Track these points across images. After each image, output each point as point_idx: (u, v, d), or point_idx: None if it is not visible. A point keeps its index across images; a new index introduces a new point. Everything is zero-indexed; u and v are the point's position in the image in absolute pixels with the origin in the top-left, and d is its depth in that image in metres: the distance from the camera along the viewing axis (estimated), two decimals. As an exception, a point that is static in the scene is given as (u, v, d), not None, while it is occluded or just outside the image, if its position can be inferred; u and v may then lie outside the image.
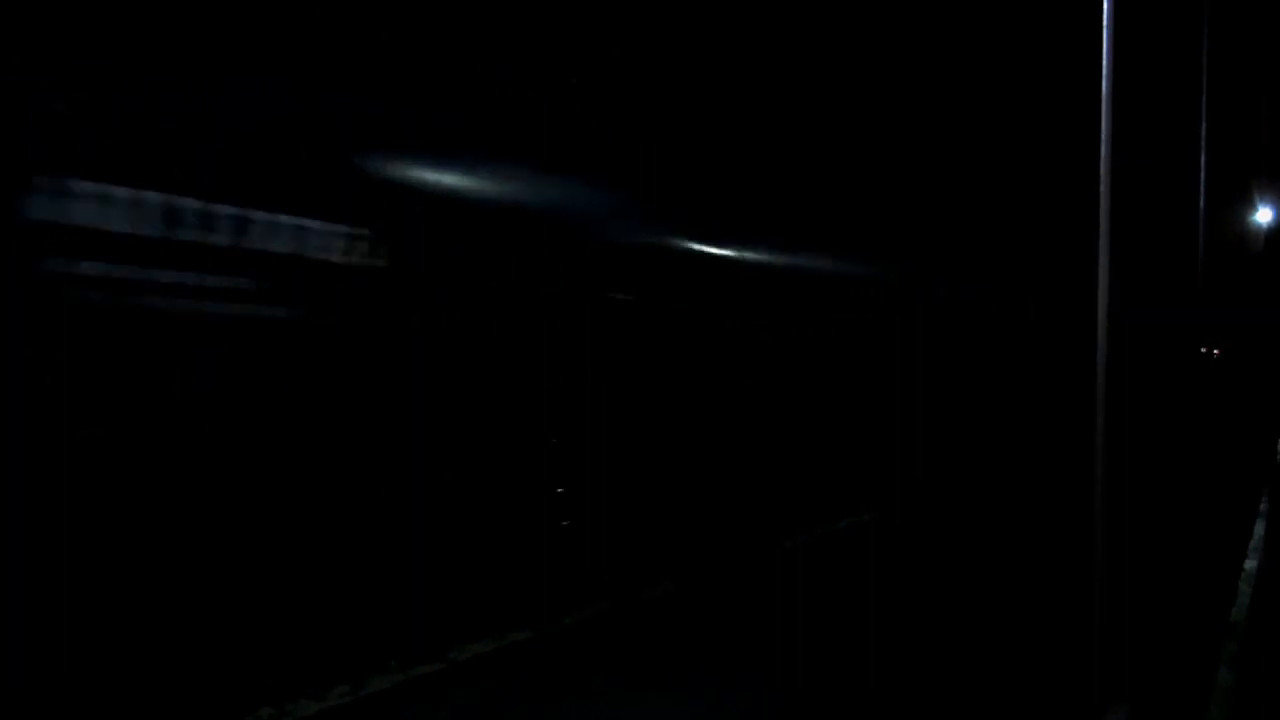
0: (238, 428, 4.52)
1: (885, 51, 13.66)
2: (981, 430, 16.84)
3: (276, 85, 4.84)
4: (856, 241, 12.60)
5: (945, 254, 16.34)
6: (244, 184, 4.57)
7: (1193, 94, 25.68)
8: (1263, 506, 9.75)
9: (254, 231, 4.60)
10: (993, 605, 5.89)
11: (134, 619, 4.01)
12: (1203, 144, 24.29)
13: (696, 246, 8.05)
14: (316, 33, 5.17)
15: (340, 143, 5.14)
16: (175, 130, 4.26)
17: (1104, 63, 4.38)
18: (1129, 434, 18.65)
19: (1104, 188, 4.31)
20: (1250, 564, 7.03)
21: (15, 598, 3.72)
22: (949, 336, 16.33)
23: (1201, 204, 24.17)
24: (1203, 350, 28.25)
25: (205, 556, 4.28)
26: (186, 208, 4.29)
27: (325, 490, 4.92)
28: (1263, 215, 27.81)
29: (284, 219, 4.77)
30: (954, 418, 16.37)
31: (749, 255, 8.97)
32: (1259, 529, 8.52)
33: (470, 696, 4.14)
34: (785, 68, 11.46)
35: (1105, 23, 4.41)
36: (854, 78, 12.89)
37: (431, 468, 5.65)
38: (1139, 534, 8.34)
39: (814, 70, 12.07)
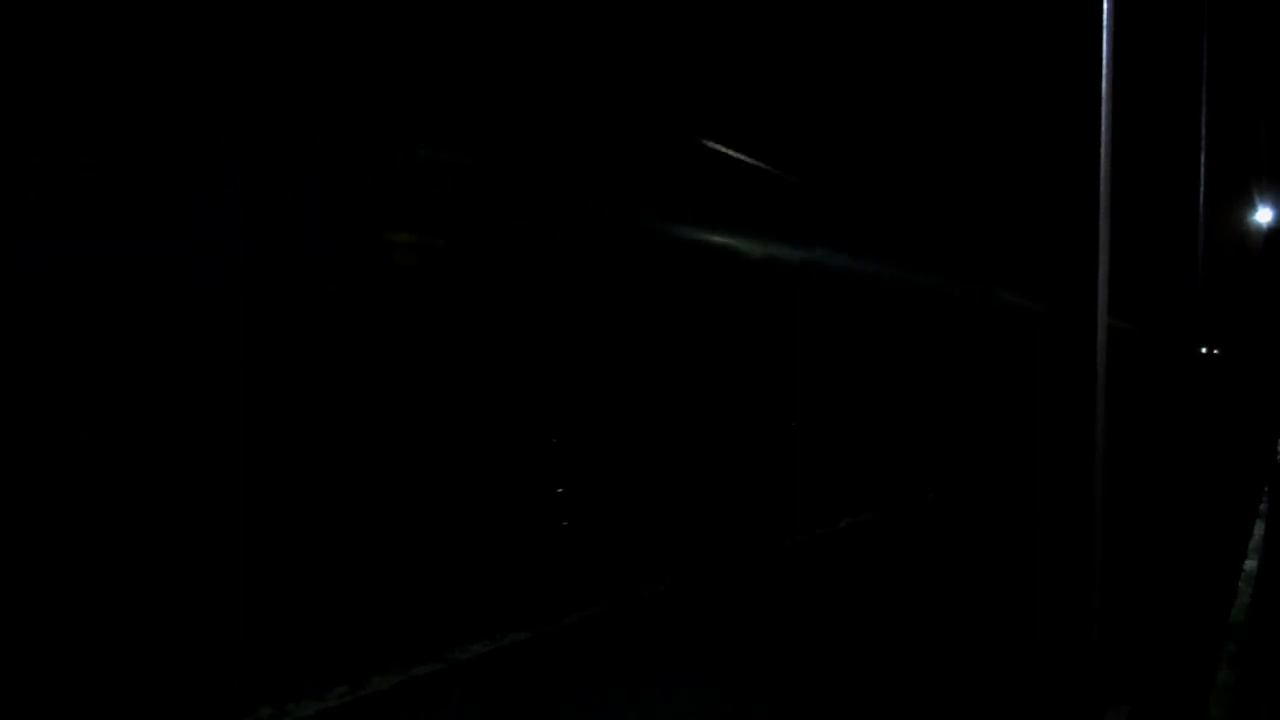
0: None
1: (884, 52, 13.66)
2: (980, 429, 16.84)
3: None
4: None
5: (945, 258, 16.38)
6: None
7: (1193, 94, 25.67)
8: (1263, 506, 9.75)
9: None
10: (991, 604, 5.90)
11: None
12: (1203, 144, 24.27)
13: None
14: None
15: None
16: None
17: (1104, 63, 4.37)
18: (1129, 433, 18.66)
19: (1104, 188, 4.31)
20: (1250, 564, 7.03)
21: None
22: (950, 339, 16.35)
23: (1201, 204, 24.16)
24: (1203, 350, 28.24)
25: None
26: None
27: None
28: (1263, 215, 27.80)
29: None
30: (951, 416, 16.38)
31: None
32: (1259, 529, 8.52)
33: (471, 696, 4.14)
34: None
35: (1105, 23, 4.41)
36: (852, 79, 12.89)
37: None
38: (1139, 533, 8.34)
39: (819, 73, 12.08)
